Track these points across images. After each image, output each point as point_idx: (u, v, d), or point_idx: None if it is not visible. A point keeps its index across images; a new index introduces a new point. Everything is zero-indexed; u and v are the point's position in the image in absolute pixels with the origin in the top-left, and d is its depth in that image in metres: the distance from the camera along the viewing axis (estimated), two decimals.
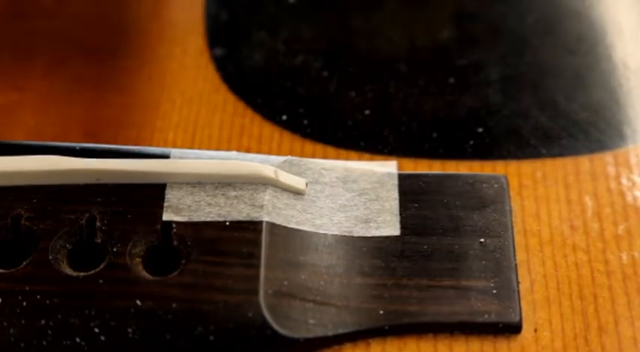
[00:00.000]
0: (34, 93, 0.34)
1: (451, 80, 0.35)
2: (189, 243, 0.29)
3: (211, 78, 0.35)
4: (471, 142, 0.33)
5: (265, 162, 0.30)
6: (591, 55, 0.36)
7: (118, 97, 0.34)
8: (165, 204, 0.29)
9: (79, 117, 0.33)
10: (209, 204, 0.29)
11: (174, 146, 0.33)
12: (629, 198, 0.32)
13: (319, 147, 0.33)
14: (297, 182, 0.30)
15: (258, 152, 0.31)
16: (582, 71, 0.36)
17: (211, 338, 0.27)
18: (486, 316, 0.28)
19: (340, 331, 0.28)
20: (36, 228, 0.29)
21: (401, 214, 0.30)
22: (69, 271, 0.28)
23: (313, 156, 0.32)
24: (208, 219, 0.29)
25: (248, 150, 0.32)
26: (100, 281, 0.28)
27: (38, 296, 0.28)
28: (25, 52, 0.34)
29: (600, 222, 0.31)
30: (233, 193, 0.30)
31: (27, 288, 0.28)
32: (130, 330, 0.27)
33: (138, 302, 0.28)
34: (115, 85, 0.33)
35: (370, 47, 0.36)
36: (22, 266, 0.28)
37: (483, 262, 0.29)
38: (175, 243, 0.29)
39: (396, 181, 0.31)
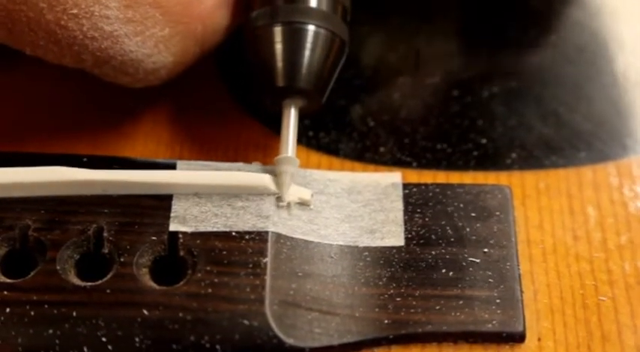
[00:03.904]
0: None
1: (455, 92, 0.35)
2: (195, 253, 0.29)
3: (218, 89, 0.35)
4: (475, 153, 0.33)
5: (271, 174, 0.30)
6: (593, 67, 0.36)
7: (124, 107, 0.34)
8: (172, 215, 0.29)
9: (87, 127, 0.34)
10: (215, 215, 0.30)
11: (181, 157, 0.33)
12: (632, 209, 0.32)
13: (324, 159, 0.33)
14: (302, 193, 0.30)
15: (265, 163, 0.31)
16: (584, 82, 0.36)
17: (217, 347, 0.27)
18: (490, 325, 0.29)
19: (345, 340, 0.28)
20: (44, 238, 0.29)
21: (405, 225, 0.30)
22: (76, 281, 0.28)
23: (318, 168, 0.32)
24: (215, 230, 0.29)
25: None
26: (108, 291, 0.28)
27: (46, 306, 0.28)
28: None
29: (603, 232, 0.31)
30: (239, 204, 0.30)
31: (35, 298, 0.28)
32: (137, 340, 0.27)
33: (145, 311, 0.28)
34: (121, 96, 0.33)
35: (375, 59, 0.36)
36: (30, 276, 0.28)
37: (487, 272, 0.30)
38: (182, 253, 0.29)
39: (400, 192, 0.31)
